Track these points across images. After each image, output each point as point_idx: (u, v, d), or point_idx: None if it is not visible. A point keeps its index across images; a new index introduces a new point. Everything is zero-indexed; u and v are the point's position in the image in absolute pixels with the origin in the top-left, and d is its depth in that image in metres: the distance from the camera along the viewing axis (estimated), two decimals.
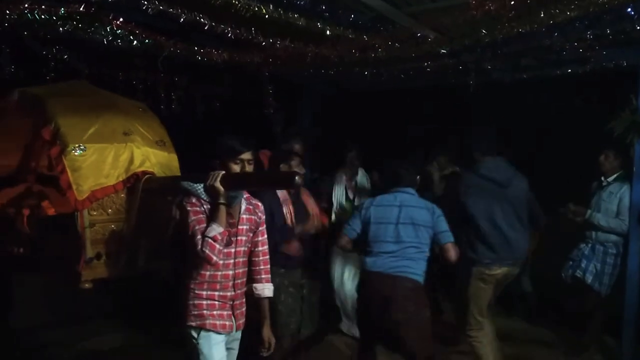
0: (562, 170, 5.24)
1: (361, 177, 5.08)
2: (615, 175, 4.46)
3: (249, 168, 2.62)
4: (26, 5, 2.96)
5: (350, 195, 5.01)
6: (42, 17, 3.04)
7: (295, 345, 3.76)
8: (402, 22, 3.49)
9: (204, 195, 2.57)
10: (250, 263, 2.82)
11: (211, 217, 2.51)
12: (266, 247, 2.86)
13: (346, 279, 4.72)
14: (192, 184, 2.62)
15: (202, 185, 2.56)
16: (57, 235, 3.76)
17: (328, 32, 3.36)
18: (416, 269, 3.37)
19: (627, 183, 4.35)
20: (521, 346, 4.58)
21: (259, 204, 2.84)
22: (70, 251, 3.48)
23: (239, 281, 2.71)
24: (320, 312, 4.25)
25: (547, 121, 5.69)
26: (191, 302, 2.63)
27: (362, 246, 3.55)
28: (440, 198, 4.71)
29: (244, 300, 2.77)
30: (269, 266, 2.87)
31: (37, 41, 4.01)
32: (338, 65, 4.35)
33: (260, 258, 2.85)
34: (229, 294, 2.66)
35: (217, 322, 2.63)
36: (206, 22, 3.19)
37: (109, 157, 3.49)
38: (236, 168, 2.59)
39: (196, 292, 2.63)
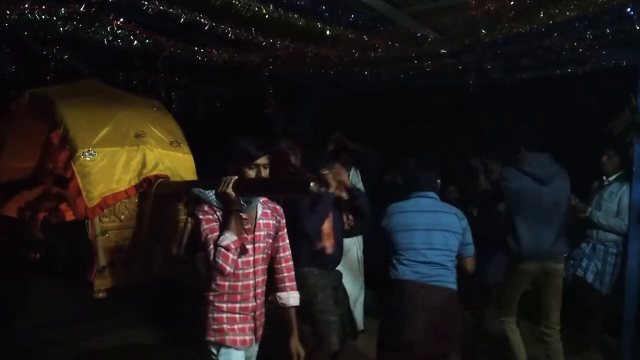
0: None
1: (352, 175, 5.01)
2: (616, 175, 4.47)
3: (265, 173, 2.47)
4: (26, 6, 2.96)
5: None
6: (43, 17, 3.04)
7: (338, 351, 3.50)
8: (402, 22, 3.49)
9: (216, 202, 2.43)
10: (273, 270, 2.66)
11: (224, 225, 2.36)
12: (289, 252, 2.69)
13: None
14: (203, 190, 2.48)
15: (214, 191, 2.42)
16: (70, 242, 3.65)
17: (328, 32, 3.36)
18: (450, 277, 3.24)
19: (627, 182, 4.35)
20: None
21: (278, 207, 2.67)
22: (83, 259, 3.36)
23: (260, 290, 2.54)
24: None
25: (546, 121, 5.69)
26: (211, 316, 2.48)
27: (387, 255, 3.36)
28: (482, 193, 4.82)
29: (263, 310, 2.61)
30: (293, 273, 2.71)
31: (37, 41, 4.00)
32: (338, 65, 4.35)
33: (283, 265, 2.67)
34: (250, 304, 2.51)
35: (238, 338, 2.48)
36: (206, 22, 3.19)
37: (120, 161, 3.35)
38: (251, 173, 2.44)
39: (216, 304, 2.47)
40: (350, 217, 3.72)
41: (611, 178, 4.49)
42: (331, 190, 3.42)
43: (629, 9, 3.22)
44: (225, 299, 2.47)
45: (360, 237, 4.80)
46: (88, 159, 3.25)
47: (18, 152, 4.26)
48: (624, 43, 3.85)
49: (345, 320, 3.57)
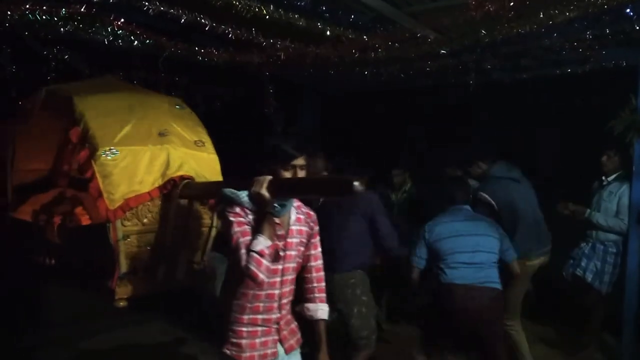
0: (563, 170, 5.25)
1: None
2: (615, 175, 4.47)
3: (301, 175, 2.30)
4: (27, 6, 2.97)
5: None
6: (43, 17, 3.05)
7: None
8: (403, 22, 3.50)
9: (248, 204, 2.24)
10: (302, 280, 2.47)
11: (257, 229, 2.17)
12: (320, 261, 2.50)
13: None
14: (234, 191, 2.29)
15: (246, 192, 2.24)
16: (88, 247, 3.46)
17: (328, 33, 3.37)
18: (496, 278, 3.41)
19: (626, 182, 4.36)
20: None
21: (311, 212, 2.48)
22: (103, 265, 3.19)
23: (285, 301, 2.36)
24: None
25: (546, 121, 5.70)
26: (230, 327, 2.30)
27: (433, 262, 3.52)
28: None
29: (290, 317, 2.42)
30: (323, 284, 2.52)
31: (38, 41, 4.01)
32: (338, 66, 4.35)
33: (314, 274, 2.49)
34: (273, 316, 2.32)
35: (257, 354, 2.28)
36: (207, 22, 3.20)
37: (143, 161, 3.15)
38: (287, 175, 2.27)
39: (237, 315, 2.29)
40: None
41: (610, 178, 4.49)
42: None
43: (628, 10, 3.23)
44: (247, 308, 2.29)
45: None
46: (109, 158, 3.06)
47: (32, 153, 4.10)
48: (623, 43, 3.85)
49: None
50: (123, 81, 3.88)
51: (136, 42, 3.46)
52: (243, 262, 2.13)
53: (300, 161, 2.28)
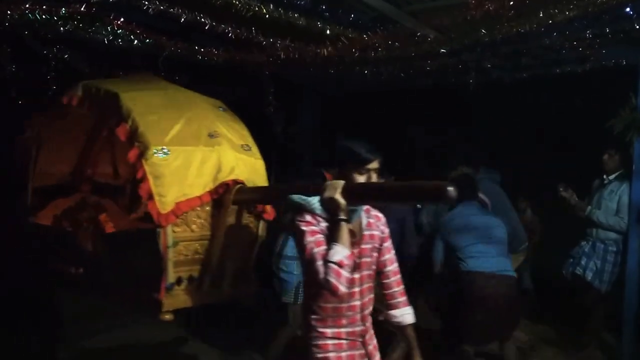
0: (563, 169, 5.25)
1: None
2: (616, 174, 4.48)
3: (375, 179, 2.17)
4: (27, 6, 2.97)
5: None
6: (43, 17, 3.05)
7: None
8: (403, 21, 3.50)
9: (320, 211, 2.09)
10: (380, 286, 2.34)
11: (332, 238, 2.02)
12: (396, 265, 2.35)
13: None
14: (304, 197, 2.14)
15: (317, 198, 2.10)
16: (130, 255, 3.23)
17: (328, 32, 3.37)
18: (510, 266, 3.66)
19: (627, 181, 4.36)
20: None
21: (380, 215, 2.35)
22: (146, 275, 2.98)
23: (367, 311, 2.23)
24: None
25: (547, 120, 5.70)
26: (314, 343, 2.16)
27: (452, 253, 3.71)
28: None
29: (372, 332, 2.30)
30: (403, 286, 2.37)
31: (37, 41, 4.00)
32: (338, 65, 4.36)
33: (392, 279, 2.33)
34: (357, 328, 2.19)
35: None
36: (207, 22, 3.20)
37: (195, 163, 2.97)
38: (360, 179, 2.13)
39: (319, 330, 2.15)
40: None
41: (611, 177, 4.50)
42: None
43: (627, 9, 3.23)
44: (329, 323, 2.15)
45: None
46: (161, 157, 2.88)
47: (54, 154, 3.90)
48: (623, 42, 3.86)
49: None
50: (161, 78, 3.66)
51: (136, 41, 3.46)
52: (321, 275, 1.98)
53: (374, 164, 2.15)
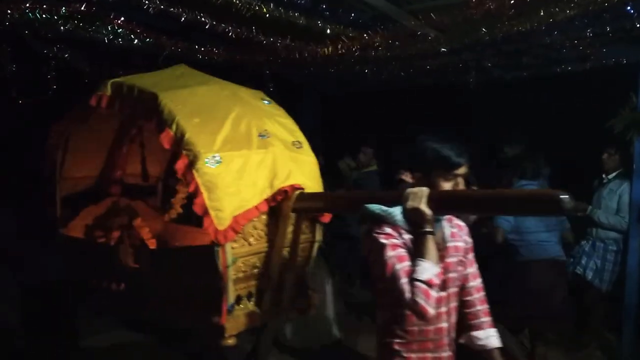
0: (564, 168, 5.25)
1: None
2: (616, 173, 4.48)
3: (462, 186, 1.93)
4: (27, 5, 2.97)
5: None
6: (43, 16, 3.05)
7: None
8: (403, 20, 3.50)
9: (402, 223, 1.86)
10: (461, 304, 2.07)
11: (417, 252, 1.79)
12: (480, 280, 2.11)
13: None
14: (385, 207, 1.89)
15: (398, 208, 1.87)
16: (178, 274, 2.86)
17: (328, 31, 3.37)
18: (562, 251, 3.92)
19: (627, 180, 4.37)
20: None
21: (462, 224, 2.10)
22: (201, 296, 2.67)
23: (454, 335, 2.02)
24: None
25: (547, 119, 5.70)
26: None
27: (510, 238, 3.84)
28: None
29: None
30: (487, 305, 2.11)
31: (38, 40, 3.99)
32: (339, 64, 4.36)
33: (475, 296, 2.08)
34: (444, 354, 1.97)
35: None
36: (207, 21, 3.20)
37: (249, 170, 2.63)
38: (446, 186, 1.89)
39: (404, 355, 1.93)
40: None
41: (611, 176, 4.50)
42: None
43: (628, 7, 3.23)
44: (414, 347, 1.93)
45: None
46: (213, 167, 2.51)
47: (81, 157, 3.59)
48: (624, 41, 3.85)
49: None
50: (195, 70, 3.26)
51: (136, 40, 3.45)
52: (407, 294, 1.74)
53: (463, 170, 1.91)
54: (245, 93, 3.15)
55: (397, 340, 1.93)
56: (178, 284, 2.83)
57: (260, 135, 2.77)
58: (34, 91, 3.87)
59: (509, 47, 4.01)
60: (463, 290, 2.06)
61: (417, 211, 1.81)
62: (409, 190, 1.86)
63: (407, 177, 3.61)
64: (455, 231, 2.03)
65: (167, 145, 2.61)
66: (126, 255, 3.10)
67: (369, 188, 5.19)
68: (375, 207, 1.91)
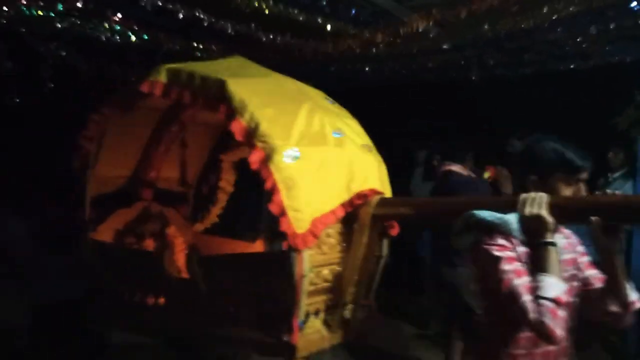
0: None
1: None
2: (620, 172, 4.46)
3: (583, 192, 1.78)
4: (24, 2, 2.94)
5: None
6: (40, 13, 3.02)
7: None
8: (403, 16, 3.47)
9: (517, 232, 1.66)
10: (594, 295, 1.84)
11: (539, 267, 1.58)
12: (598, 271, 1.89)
13: None
14: (499, 215, 1.70)
15: (514, 216, 1.67)
16: (236, 285, 2.53)
17: (329, 28, 3.34)
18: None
19: (631, 179, 4.34)
20: None
21: (571, 233, 1.90)
22: (267, 311, 2.39)
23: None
24: None
25: (550, 117, 5.66)
26: None
27: None
28: None
29: None
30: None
31: (34, 37, 3.96)
32: (339, 61, 4.33)
33: (598, 278, 1.86)
34: None
35: None
36: (206, 18, 3.17)
37: (327, 169, 2.37)
38: (567, 192, 1.73)
39: None
40: None
41: (616, 174, 4.48)
42: None
43: (633, 4, 3.19)
44: None
45: None
46: (292, 162, 2.26)
47: (114, 156, 3.24)
48: (627, 38, 3.82)
49: None
50: (254, 63, 2.98)
51: (134, 37, 3.42)
52: (531, 314, 1.53)
53: (586, 175, 1.77)
54: (309, 89, 2.95)
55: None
56: (236, 298, 2.53)
57: (334, 133, 2.54)
58: (31, 89, 3.83)
59: (512, 43, 3.97)
60: (589, 287, 1.83)
61: (538, 219, 1.61)
62: (524, 195, 1.66)
63: (490, 173, 3.50)
64: (568, 242, 1.84)
65: (239, 137, 2.33)
66: (172, 263, 2.83)
67: None
68: (487, 214, 1.72)
